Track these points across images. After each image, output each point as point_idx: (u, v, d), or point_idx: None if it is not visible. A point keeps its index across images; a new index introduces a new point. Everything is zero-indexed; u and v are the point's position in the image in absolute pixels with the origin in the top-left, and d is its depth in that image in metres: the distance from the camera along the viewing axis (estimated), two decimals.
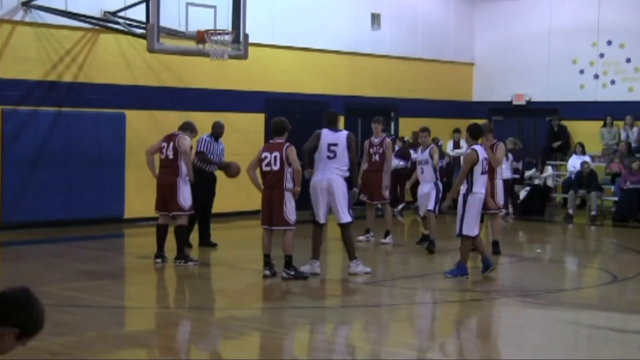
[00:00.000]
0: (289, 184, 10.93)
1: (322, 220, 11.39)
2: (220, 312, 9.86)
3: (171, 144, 12.16)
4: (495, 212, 13.51)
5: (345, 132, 11.49)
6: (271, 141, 11.21)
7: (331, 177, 11.22)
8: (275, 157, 10.91)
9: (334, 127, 11.49)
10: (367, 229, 14.97)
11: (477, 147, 11.30)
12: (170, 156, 12.12)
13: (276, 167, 10.90)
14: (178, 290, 11.27)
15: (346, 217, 11.29)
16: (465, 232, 11.19)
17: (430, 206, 13.55)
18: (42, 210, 15.76)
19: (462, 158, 21.92)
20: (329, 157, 11.26)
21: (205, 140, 13.50)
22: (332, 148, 11.28)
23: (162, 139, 12.41)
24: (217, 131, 13.69)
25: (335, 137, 11.34)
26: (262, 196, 11.10)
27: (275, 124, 11.19)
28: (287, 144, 11.00)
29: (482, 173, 11.23)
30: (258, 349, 8.19)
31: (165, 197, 12.10)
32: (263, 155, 11.03)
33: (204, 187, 13.48)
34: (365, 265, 11.60)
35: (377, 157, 14.63)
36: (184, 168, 12.07)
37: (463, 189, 11.25)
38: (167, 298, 10.86)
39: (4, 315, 3.34)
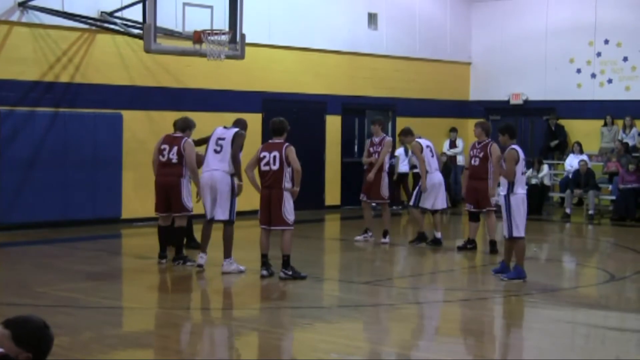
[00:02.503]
0: (287, 184, 10.92)
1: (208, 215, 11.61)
2: (217, 313, 9.85)
3: (175, 148, 12.01)
4: (491, 210, 13.52)
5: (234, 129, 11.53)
6: (270, 141, 11.20)
7: (215, 174, 11.32)
8: (274, 157, 10.90)
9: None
10: (365, 228, 14.93)
11: (516, 147, 11.13)
12: (174, 160, 11.96)
13: (275, 167, 10.89)
14: (175, 291, 11.24)
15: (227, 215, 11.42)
16: (515, 234, 11.04)
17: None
18: (39, 211, 15.73)
19: (461, 157, 21.95)
20: (215, 151, 11.41)
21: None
22: (220, 142, 11.42)
23: (161, 141, 12.26)
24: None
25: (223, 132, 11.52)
26: (261, 196, 11.09)
27: (274, 124, 11.17)
28: (287, 144, 10.99)
29: (523, 173, 11.11)
30: (256, 349, 8.17)
31: (169, 198, 12.03)
32: (262, 155, 11.02)
33: None
34: (239, 264, 11.55)
35: (376, 156, 14.57)
36: (186, 170, 12.00)
37: (504, 190, 11.06)
38: (164, 298, 10.83)
39: (27, 340, 3.84)
